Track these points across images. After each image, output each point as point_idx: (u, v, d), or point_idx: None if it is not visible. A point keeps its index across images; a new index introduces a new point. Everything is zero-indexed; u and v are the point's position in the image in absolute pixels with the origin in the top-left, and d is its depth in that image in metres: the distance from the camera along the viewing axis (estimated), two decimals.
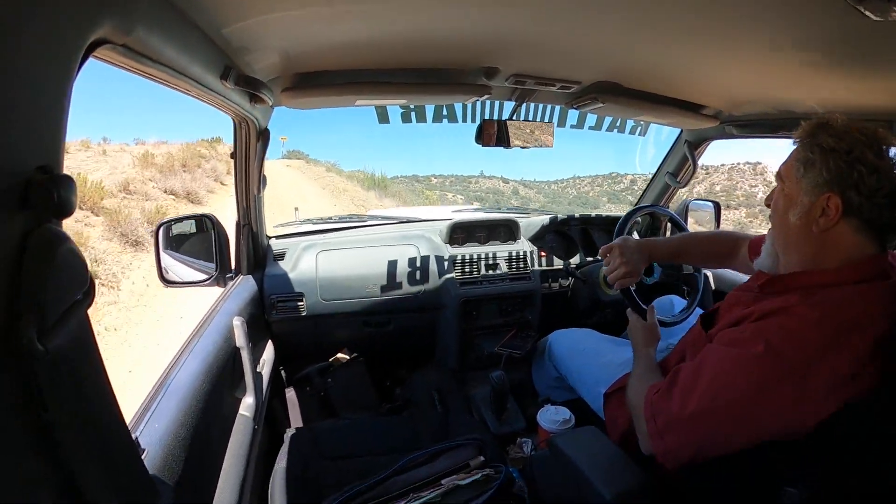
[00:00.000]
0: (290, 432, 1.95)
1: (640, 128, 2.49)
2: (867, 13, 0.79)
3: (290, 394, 2.34)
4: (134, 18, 0.72)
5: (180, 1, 0.88)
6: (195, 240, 1.89)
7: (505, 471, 1.38)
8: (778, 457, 1.04)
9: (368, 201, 27.72)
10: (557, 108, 2.21)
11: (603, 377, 1.71)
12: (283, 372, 2.39)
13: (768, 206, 1.22)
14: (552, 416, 1.87)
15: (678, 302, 2.11)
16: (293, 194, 21.89)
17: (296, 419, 2.27)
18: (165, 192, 15.40)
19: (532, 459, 1.57)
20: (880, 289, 1.05)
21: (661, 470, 1.30)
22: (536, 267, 2.59)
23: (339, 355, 2.45)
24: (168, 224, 1.83)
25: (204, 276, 1.85)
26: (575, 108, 2.06)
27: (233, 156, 1.81)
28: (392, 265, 2.38)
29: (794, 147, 1.14)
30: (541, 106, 2.19)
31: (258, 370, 1.81)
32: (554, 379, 2.17)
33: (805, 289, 1.09)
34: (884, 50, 1.02)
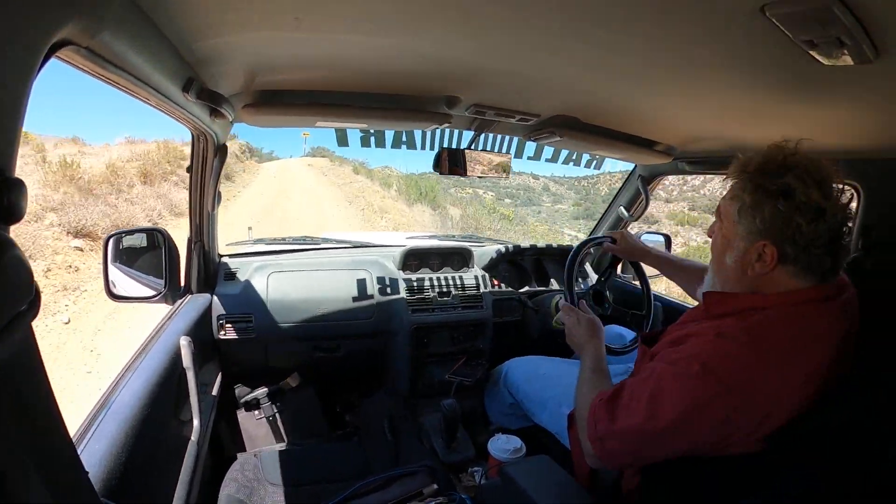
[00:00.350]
0: (237, 457, 1.89)
1: (595, 161, 2.57)
2: (817, 57, 0.84)
3: (238, 417, 2.28)
4: (102, 21, 0.70)
5: (152, 9, 0.87)
6: (145, 254, 1.83)
7: (458, 498, 1.37)
8: (732, 470, 1.07)
9: (417, 223, 19.02)
10: (516, 139, 2.26)
11: (566, 398, 1.70)
12: (230, 395, 2.32)
13: (709, 236, 1.24)
14: (503, 445, 1.87)
15: (627, 332, 2.16)
16: (311, 212, 17.29)
17: (242, 444, 2.20)
18: (75, 233, 9.18)
19: (483, 488, 1.56)
20: (824, 308, 1.07)
21: (617, 493, 1.33)
22: (489, 296, 2.60)
23: (289, 380, 2.40)
24: (118, 236, 1.77)
25: (152, 293, 1.78)
26: (533, 140, 2.11)
27: (188, 169, 1.78)
28: (344, 290, 2.36)
29: (732, 181, 1.14)
30: (499, 136, 2.23)
31: (205, 392, 1.76)
32: (508, 406, 2.18)
33: (742, 312, 1.10)
34: (833, 92, 1.07)
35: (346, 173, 31.21)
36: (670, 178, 2.86)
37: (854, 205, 1.49)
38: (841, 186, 1.06)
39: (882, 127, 1.28)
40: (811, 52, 0.82)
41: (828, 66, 0.86)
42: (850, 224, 1.07)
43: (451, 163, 2.01)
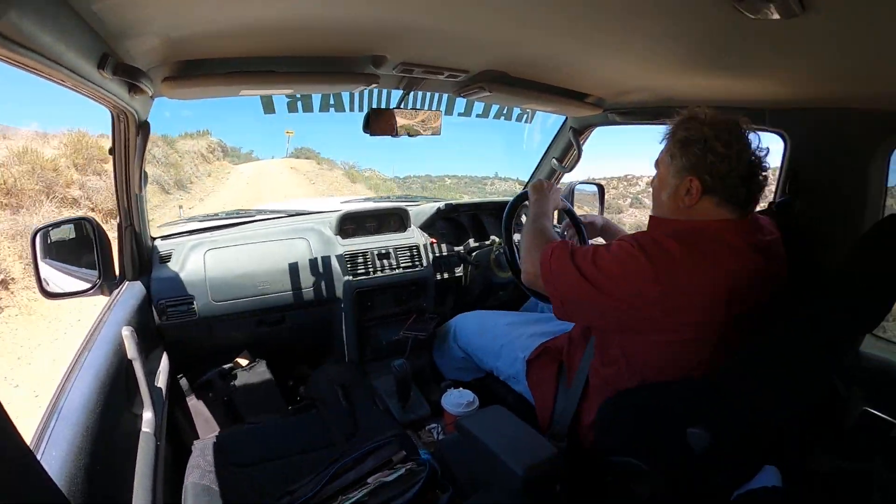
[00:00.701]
0: (196, 444, 1.87)
1: (526, 115, 2.60)
2: (744, 12, 0.86)
3: (192, 402, 2.24)
4: (6, 1, 0.66)
5: None
6: (75, 246, 1.74)
7: (428, 463, 1.41)
8: (680, 399, 1.15)
9: None
10: (445, 96, 2.25)
11: (520, 345, 1.82)
12: (181, 380, 2.27)
13: (651, 186, 1.46)
14: (456, 400, 1.92)
15: None
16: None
17: (201, 428, 2.17)
18: None
19: (443, 444, 1.61)
20: (740, 226, 1.31)
21: (577, 435, 1.41)
22: (429, 255, 2.63)
23: (238, 359, 2.37)
24: (45, 230, 1.67)
25: (87, 285, 1.70)
26: (462, 97, 2.10)
27: (111, 151, 1.68)
28: (283, 260, 2.34)
29: (665, 141, 1.40)
30: (429, 94, 2.22)
31: (154, 382, 1.72)
32: (460, 359, 2.23)
33: (678, 229, 1.33)
34: (758, 46, 1.11)
35: (338, 179, 27.06)
36: None
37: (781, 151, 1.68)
38: (750, 135, 1.32)
39: (806, 78, 1.35)
40: (738, 7, 0.85)
41: (755, 19, 0.89)
42: (763, 164, 1.32)
43: (380, 123, 1.99)
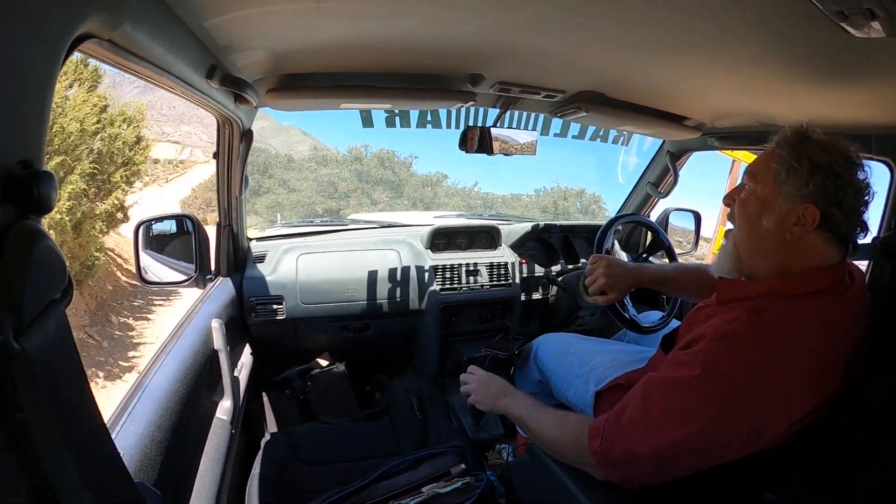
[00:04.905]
0: (267, 437, 1.92)
1: (622, 138, 2.52)
2: (848, 29, 0.81)
3: (270, 397, 2.32)
4: (123, 13, 0.71)
5: None
6: (175, 240, 1.87)
7: (486, 478, 1.38)
8: (756, 462, 1.05)
9: None
10: (541, 116, 2.23)
11: (594, 377, 1.69)
12: (262, 375, 2.36)
13: (727, 205, 1.22)
14: None
15: (654, 314, 2.13)
16: None
17: (275, 423, 2.25)
18: None
19: (511, 465, 1.57)
20: (836, 301, 1.08)
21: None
22: (517, 274, 2.59)
23: (319, 359, 2.43)
24: (148, 223, 1.80)
25: (183, 277, 1.83)
26: (559, 117, 2.08)
27: (215, 156, 1.79)
28: (372, 270, 2.37)
29: (772, 149, 1.13)
30: (525, 114, 2.21)
31: (236, 373, 1.79)
32: (536, 383, 2.17)
33: (757, 299, 1.10)
34: (863, 66, 1.04)
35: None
36: None
37: (887, 181, 1.50)
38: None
39: None
40: (841, 24, 0.79)
41: (859, 38, 0.83)
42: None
43: (475, 141, 1.99)
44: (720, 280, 1.23)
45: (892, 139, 1.50)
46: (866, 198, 1.07)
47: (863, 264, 1.46)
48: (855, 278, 1.15)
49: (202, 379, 1.49)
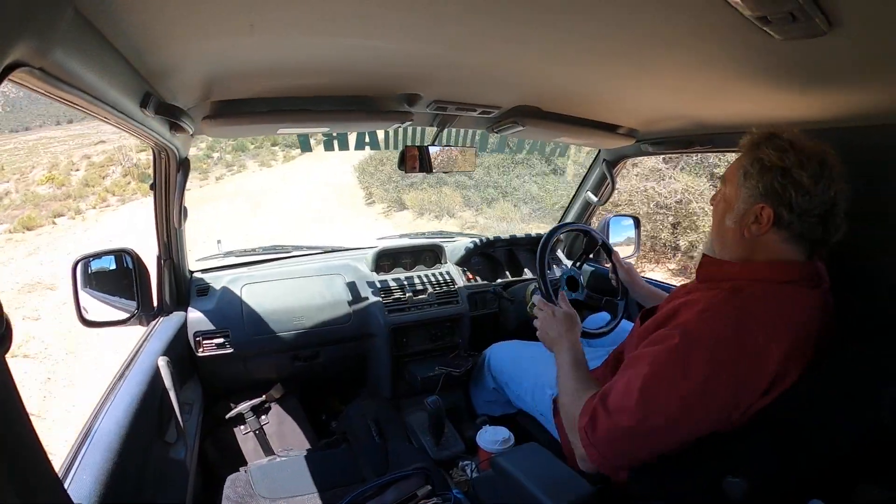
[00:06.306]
0: (227, 476, 1.87)
1: (559, 149, 2.59)
2: (771, 33, 0.85)
3: (224, 434, 2.25)
4: (53, 39, 0.69)
5: (103, 25, 0.85)
6: (114, 276, 1.80)
7: (453, 497, 1.38)
8: (717, 448, 1.10)
9: None
10: (479, 132, 2.27)
11: (549, 381, 1.71)
12: (214, 412, 2.29)
13: (713, 205, 1.33)
14: (491, 437, 1.88)
15: (602, 316, 2.18)
16: None
17: (232, 460, 2.18)
18: None
19: (475, 481, 1.57)
20: (809, 293, 1.16)
21: (608, 476, 1.36)
22: (464, 290, 2.62)
23: (272, 391, 2.38)
24: (86, 260, 1.73)
25: (125, 315, 1.76)
26: (496, 132, 2.11)
27: (152, 187, 1.75)
28: (319, 296, 2.35)
29: (741, 154, 1.24)
30: (462, 130, 2.25)
31: (188, 412, 1.74)
32: (491, 391, 2.19)
33: (734, 281, 1.18)
34: (788, 67, 1.09)
35: None
36: None
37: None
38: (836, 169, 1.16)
39: (840, 98, 1.29)
40: (765, 29, 0.83)
41: (781, 40, 0.88)
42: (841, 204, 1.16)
43: (415, 161, 2.01)
44: (703, 257, 1.33)
45: (819, 134, 1.56)
46: (821, 200, 1.12)
47: None
48: (823, 278, 1.23)
49: (152, 421, 1.44)
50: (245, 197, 20.08)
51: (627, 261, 2.08)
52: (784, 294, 1.14)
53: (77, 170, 29.53)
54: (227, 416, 2.28)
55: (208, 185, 24.51)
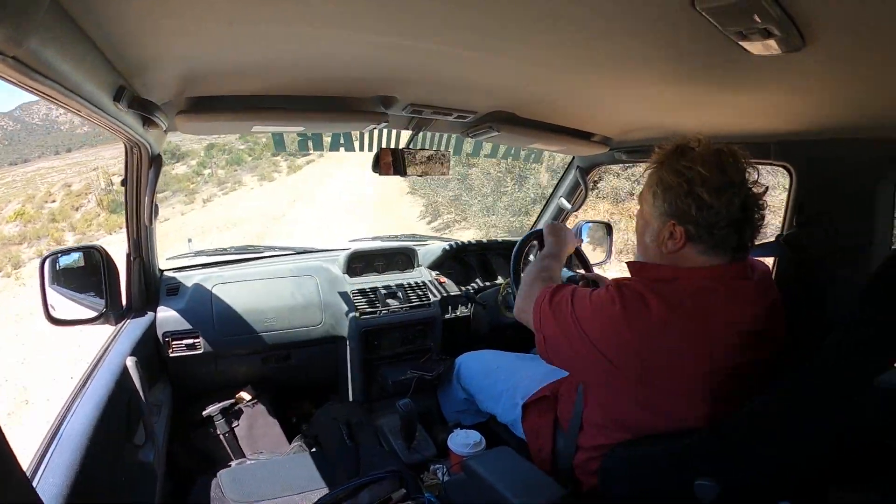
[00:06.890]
0: (196, 480, 1.85)
1: (533, 155, 2.62)
2: (746, 48, 0.87)
3: (194, 436, 2.22)
4: (28, 30, 0.67)
5: (80, 16, 0.84)
6: (83, 274, 1.76)
7: (427, 500, 1.38)
8: (689, 451, 1.13)
9: None
10: (454, 136, 2.29)
11: (520, 390, 1.76)
12: (183, 414, 2.26)
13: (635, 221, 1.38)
14: (463, 440, 1.88)
15: None
16: None
17: (201, 463, 2.15)
18: None
19: (447, 485, 1.58)
20: (738, 284, 1.20)
21: (578, 480, 1.38)
22: (436, 294, 2.62)
23: (242, 393, 2.36)
24: (54, 257, 1.69)
25: (93, 314, 1.72)
26: (471, 137, 2.13)
27: (123, 183, 1.72)
28: (290, 298, 2.34)
29: (650, 172, 1.28)
30: (437, 134, 2.26)
31: (157, 414, 1.71)
32: (462, 401, 2.20)
33: (661, 281, 1.22)
34: (761, 79, 1.12)
35: None
36: None
37: (786, 184, 1.62)
38: (749, 170, 1.19)
39: (809, 111, 1.33)
40: (741, 43, 0.86)
41: (757, 55, 0.90)
42: (760, 202, 1.20)
43: (389, 163, 2.01)
44: (628, 263, 1.38)
45: (789, 145, 1.63)
46: (727, 212, 1.15)
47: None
48: (756, 269, 1.28)
49: (121, 422, 1.42)
50: (240, 229, 18.19)
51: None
52: (714, 283, 1.19)
53: (53, 201, 28.78)
54: (197, 418, 2.25)
55: (193, 212, 22.21)
